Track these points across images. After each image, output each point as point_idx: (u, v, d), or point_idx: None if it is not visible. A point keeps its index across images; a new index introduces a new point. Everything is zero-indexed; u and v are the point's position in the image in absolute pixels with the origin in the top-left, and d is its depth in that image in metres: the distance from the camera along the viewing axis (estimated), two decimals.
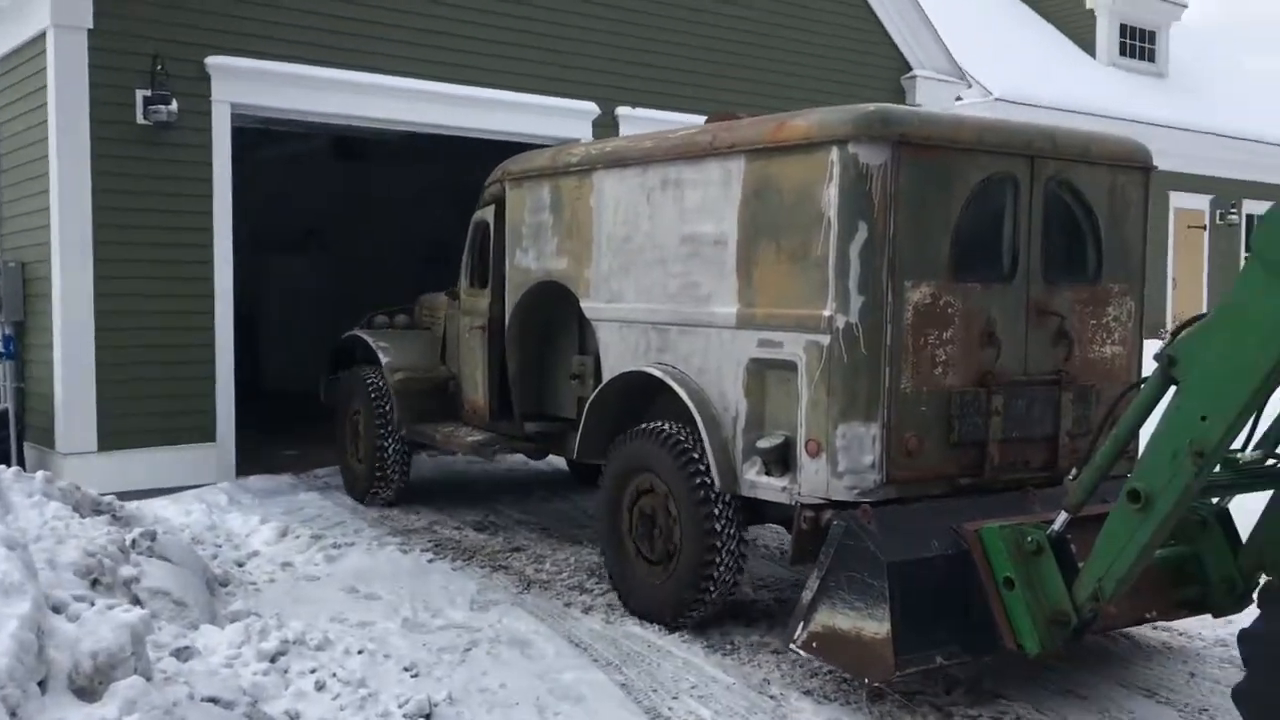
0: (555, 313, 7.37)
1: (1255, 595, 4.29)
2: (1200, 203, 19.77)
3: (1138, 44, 20.64)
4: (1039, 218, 5.60)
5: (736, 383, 5.72)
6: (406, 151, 13.20)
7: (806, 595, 4.95)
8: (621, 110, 11.24)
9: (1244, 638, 3.82)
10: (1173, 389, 4.17)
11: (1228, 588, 5.03)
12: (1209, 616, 5.40)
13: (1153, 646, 5.83)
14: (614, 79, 11.19)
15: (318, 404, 9.81)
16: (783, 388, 5.51)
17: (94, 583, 5.11)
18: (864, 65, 12.96)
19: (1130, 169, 5.96)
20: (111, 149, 8.76)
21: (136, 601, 5.23)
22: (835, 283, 5.19)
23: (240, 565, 7.04)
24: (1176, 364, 4.12)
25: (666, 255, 6.17)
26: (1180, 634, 6.00)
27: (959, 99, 14.38)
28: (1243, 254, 21.09)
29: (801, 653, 4.98)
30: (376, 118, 10.08)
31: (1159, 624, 5.80)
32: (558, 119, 10.82)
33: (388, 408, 8.68)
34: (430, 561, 7.22)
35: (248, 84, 9.32)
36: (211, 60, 9.14)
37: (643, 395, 6.44)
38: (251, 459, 9.65)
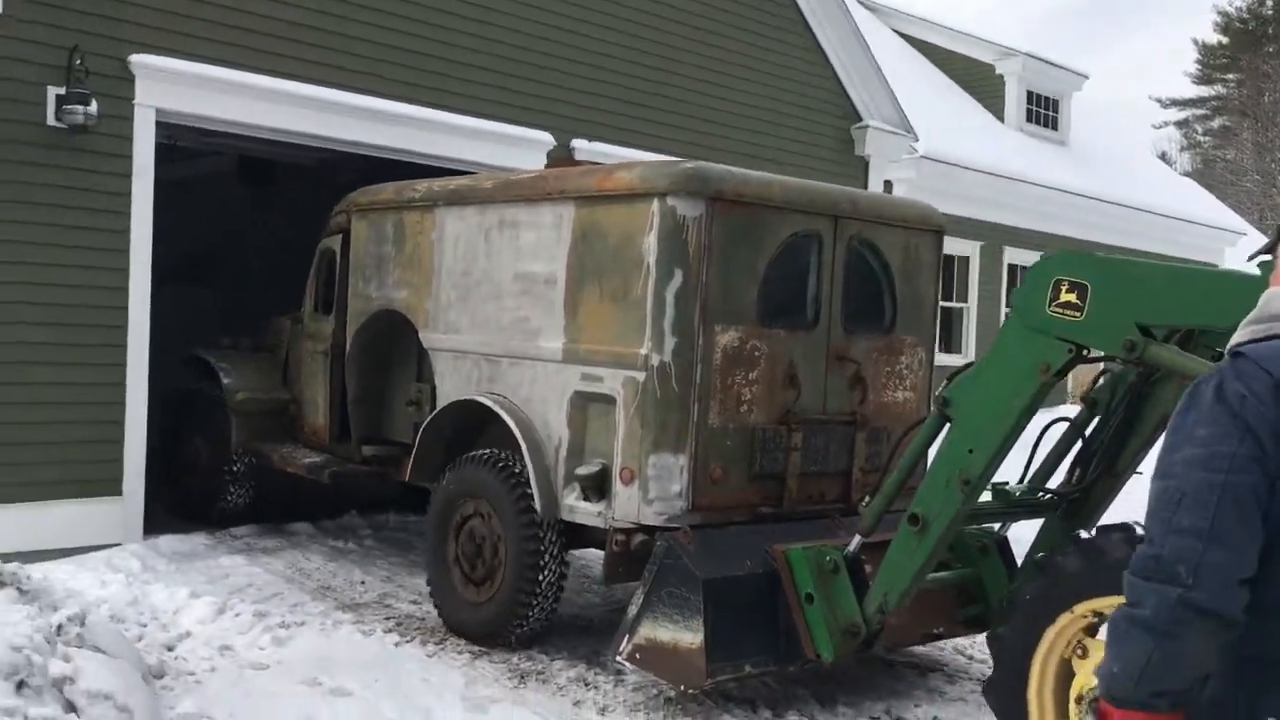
0: (395, 341, 7.64)
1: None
2: None
3: (1043, 111, 21.02)
4: (840, 272, 6.16)
5: (560, 413, 6.10)
6: (323, 173, 11.79)
7: (631, 610, 5.36)
8: (578, 143, 10.41)
9: (991, 638, 4.39)
10: (947, 426, 4.75)
11: (1004, 607, 5.63)
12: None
13: None
14: (570, 109, 10.42)
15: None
16: (602, 419, 5.92)
17: (19, 685, 4.08)
18: (816, 112, 12.58)
19: (924, 231, 6.59)
20: (15, 153, 7.48)
21: (71, 708, 4.22)
22: (652, 323, 5.64)
23: (170, 650, 5.88)
24: (950, 404, 4.68)
25: (501, 291, 6.53)
26: None
27: (914, 153, 14.12)
28: None
29: (626, 664, 5.36)
30: (317, 134, 8.95)
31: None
32: (509, 147, 9.87)
33: (228, 427, 8.79)
34: (398, 645, 6.29)
35: (177, 88, 8.11)
36: (137, 58, 7.94)
37: (474, 423, 6.77)
38: (152, 513, 8.30)
